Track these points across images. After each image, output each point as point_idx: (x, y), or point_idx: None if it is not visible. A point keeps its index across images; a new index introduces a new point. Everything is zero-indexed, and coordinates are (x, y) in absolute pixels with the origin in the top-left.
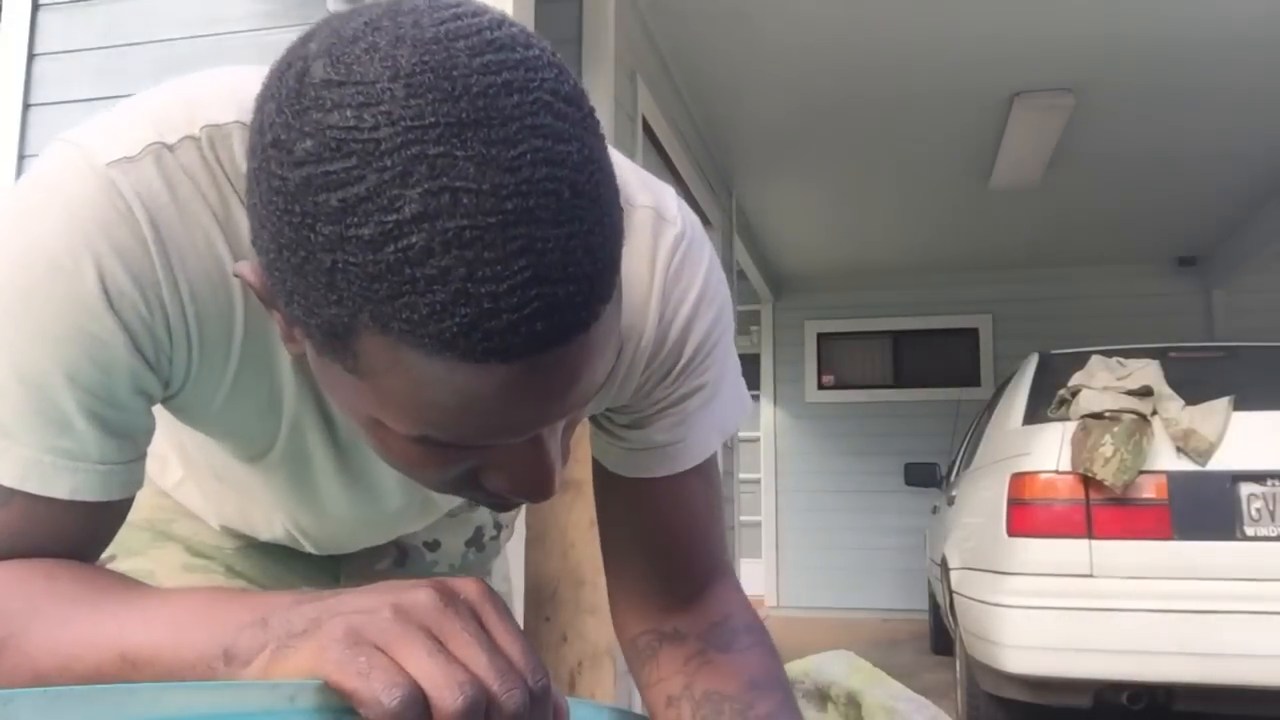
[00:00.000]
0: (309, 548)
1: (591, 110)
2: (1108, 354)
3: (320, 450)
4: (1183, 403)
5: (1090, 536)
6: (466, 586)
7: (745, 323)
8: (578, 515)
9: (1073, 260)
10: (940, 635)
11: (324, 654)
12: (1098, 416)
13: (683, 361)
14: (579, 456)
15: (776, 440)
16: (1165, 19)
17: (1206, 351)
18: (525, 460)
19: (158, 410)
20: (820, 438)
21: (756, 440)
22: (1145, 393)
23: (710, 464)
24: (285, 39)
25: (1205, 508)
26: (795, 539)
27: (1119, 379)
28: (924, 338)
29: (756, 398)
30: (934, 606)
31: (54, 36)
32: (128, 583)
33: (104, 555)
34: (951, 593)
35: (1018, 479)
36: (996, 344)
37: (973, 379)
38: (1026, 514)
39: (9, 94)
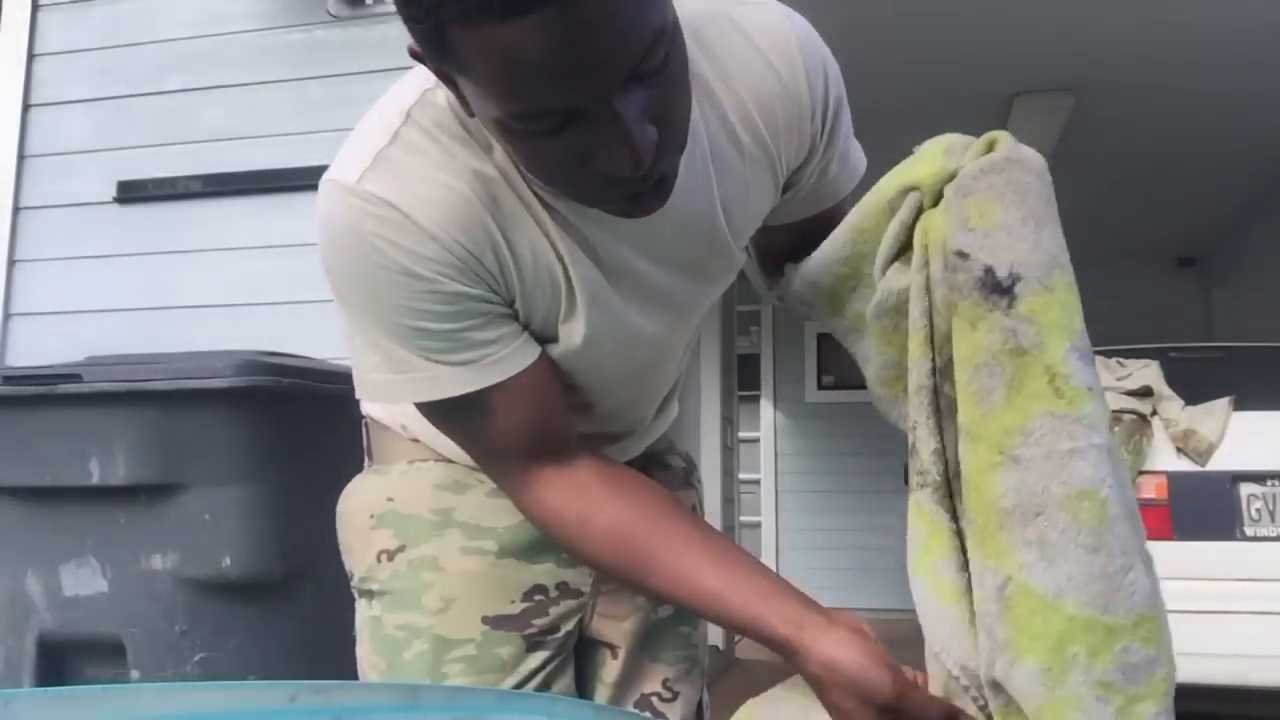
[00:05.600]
0: (605, 426)
1: None
2: (1108, 354)
3: (601, 283)
4: (1183, 403)
5: None
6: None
7: (745, 323)
8: None
9: (1072, 260)
10: None
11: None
12: None
13: (832, 106)
14: None
15: (776, 440)
16: (1165, 19)
17: (1206, 351)
18: (610, 133)
19: None
20: (820, 438)
21: (756, 440)
22: (1145, 393)
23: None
24: (285, 39)
25: (1205, 508)
26: (795, 539)
27: (1119, 379)
28: None
29: (756, 398)
30: None
31: (54, 36)
32: (711, 541)
33: (395, 545)
34: None
35: None
36: None
37: None
38: None
39: (9, 94)
